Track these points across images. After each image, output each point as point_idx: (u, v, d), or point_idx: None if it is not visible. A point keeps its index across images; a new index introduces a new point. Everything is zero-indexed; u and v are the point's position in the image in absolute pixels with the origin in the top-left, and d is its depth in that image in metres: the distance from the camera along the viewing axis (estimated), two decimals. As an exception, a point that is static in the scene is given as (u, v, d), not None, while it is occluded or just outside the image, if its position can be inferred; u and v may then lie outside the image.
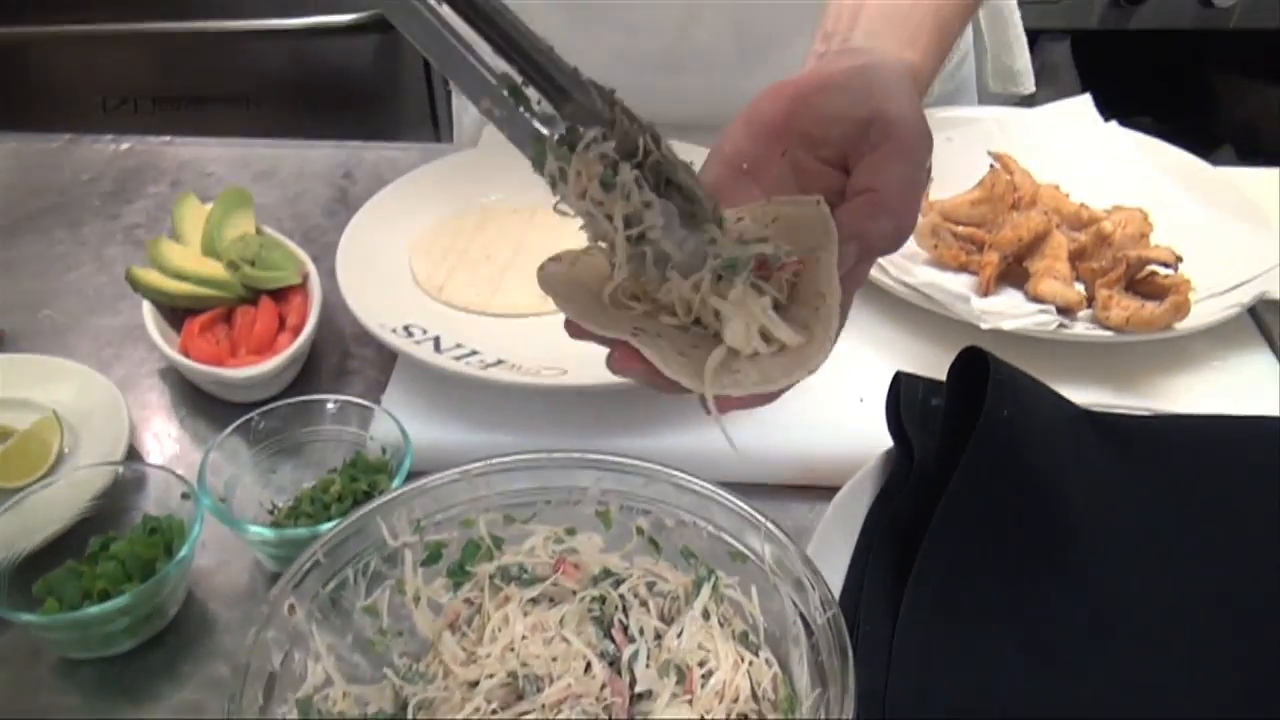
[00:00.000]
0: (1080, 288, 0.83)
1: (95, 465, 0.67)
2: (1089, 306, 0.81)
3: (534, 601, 0.56)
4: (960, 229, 0.87)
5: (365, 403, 0.70)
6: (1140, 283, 0.81)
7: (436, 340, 0.76)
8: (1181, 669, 0.55)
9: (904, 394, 0.65)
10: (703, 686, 0.52)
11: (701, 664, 0.53)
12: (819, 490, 0.66)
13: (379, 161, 1.09)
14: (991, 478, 0.58)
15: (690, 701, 0.52)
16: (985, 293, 0.83)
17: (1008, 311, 0.78)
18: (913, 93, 0.53)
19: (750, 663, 0.54)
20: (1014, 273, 0.85)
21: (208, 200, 0.88)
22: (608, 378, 0.71)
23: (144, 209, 1.03)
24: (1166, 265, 0.81)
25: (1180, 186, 0.94)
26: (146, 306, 0.80)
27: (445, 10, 0.43)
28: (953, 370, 0.63)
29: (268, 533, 0.63)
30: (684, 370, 0.46)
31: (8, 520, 0.61)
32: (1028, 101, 1.15)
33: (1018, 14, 1.16)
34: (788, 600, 0.53)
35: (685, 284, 0.48)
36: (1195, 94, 2.07)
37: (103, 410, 0.74)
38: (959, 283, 0.84)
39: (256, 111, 1.86)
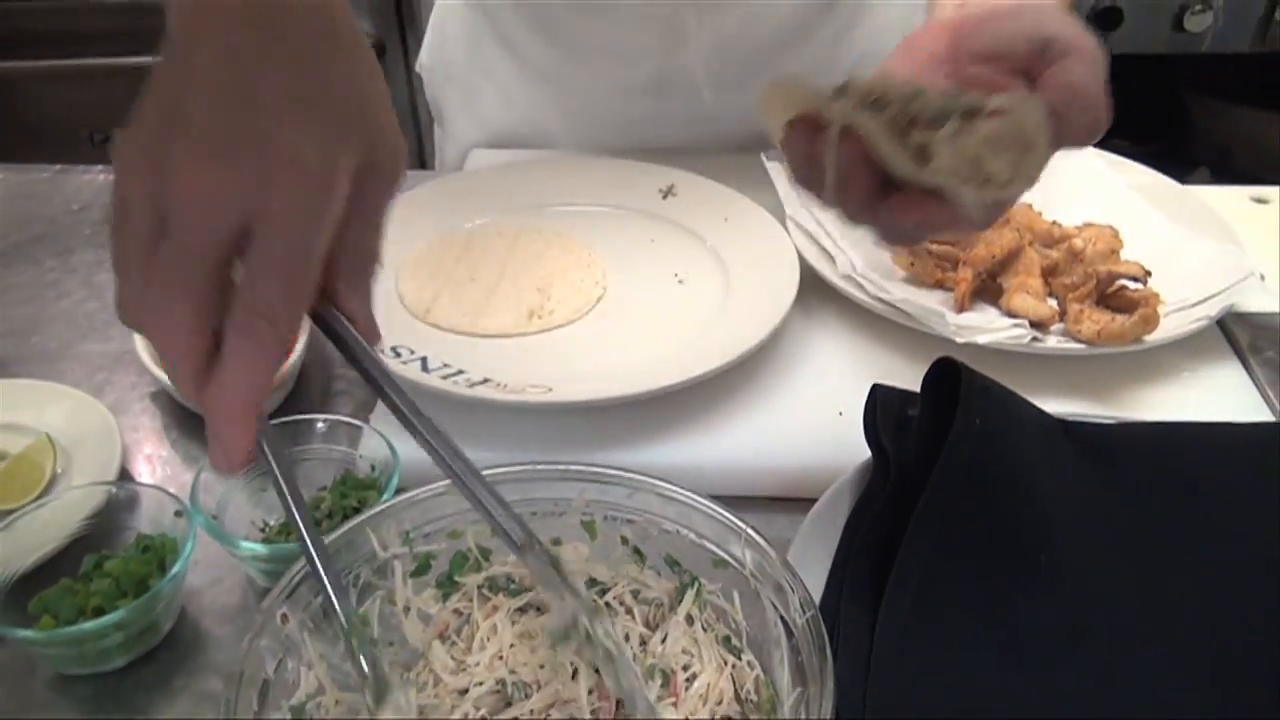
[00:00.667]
0: (1053, 302, 0.85)
1: (89, 485, 0.68)
2: (1061, 320, 0.83)
3: (521, 610, 0.57)
4: (936, 247, 0.89)
5: (354, 421, 0.71)
6: (1111, 297, 0.83)
7: (424, 360, 0.78)
8: (1154, 671, 0.56)
9: (880, 405, 0.66)
10: (687, 690, 0.53)
11: (685, 668, 0.54)
12: (799, 502, 0.67)
13: (366, 188, 1.10)
14: (966, 482, 0.60)
15: (675, 704, 0.53)
16: (960, 308, 0.85)
17: (982, 326, 0.80)
18: (1078, 22, 0.54)
19: (733, 665, 0.55)
20: (988, 289, 0.87)
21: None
22: (592, 395, 0.74)
23: (134, 237, 1.04)
24: (1136, 280, 0.83)
25: (1149, 204, 0.96)
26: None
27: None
28: (927, 380, 0.65)
29: (259, 548, 0.64)
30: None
31: (2, 540, 0.62)
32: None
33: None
34: (769, 604, 0.54)
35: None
36: (1171, 117, 2.10)
37: (95, 433, 0.75)
38: (935, 299, 0.86)
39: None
